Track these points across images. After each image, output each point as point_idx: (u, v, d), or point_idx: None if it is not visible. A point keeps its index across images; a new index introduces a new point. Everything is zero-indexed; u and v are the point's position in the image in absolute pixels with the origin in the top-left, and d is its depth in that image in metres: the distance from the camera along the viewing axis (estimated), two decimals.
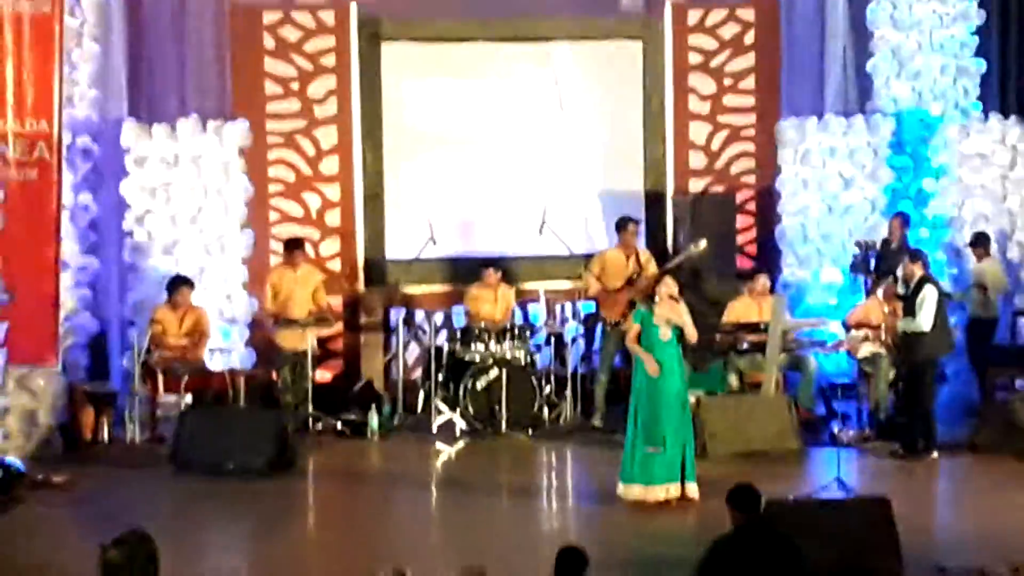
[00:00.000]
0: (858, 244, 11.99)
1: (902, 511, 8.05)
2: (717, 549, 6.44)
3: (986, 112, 12.75)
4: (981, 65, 12.92)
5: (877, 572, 7.64)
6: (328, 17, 12.42)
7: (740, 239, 12.78)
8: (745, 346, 11.41)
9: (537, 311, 12.27)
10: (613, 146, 13.15)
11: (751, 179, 12.96)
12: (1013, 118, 12.70)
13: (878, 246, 12.15)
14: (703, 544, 6.63)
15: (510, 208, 13.00)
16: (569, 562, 6.20)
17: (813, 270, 12.61)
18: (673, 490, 9.20)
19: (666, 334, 9.17)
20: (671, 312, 9.23)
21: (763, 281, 11.75)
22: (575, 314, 12.47)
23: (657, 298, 9.29)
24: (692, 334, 9.44)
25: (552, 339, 11.85)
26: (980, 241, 11.92)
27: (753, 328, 11.41)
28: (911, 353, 10.69)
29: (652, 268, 11.50)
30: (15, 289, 10.51)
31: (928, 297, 10.36)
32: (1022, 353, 12.50)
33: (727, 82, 12.92)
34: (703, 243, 11.63)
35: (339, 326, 12.13)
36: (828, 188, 12.51)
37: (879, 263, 12.02)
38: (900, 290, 11.10)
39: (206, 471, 10.13)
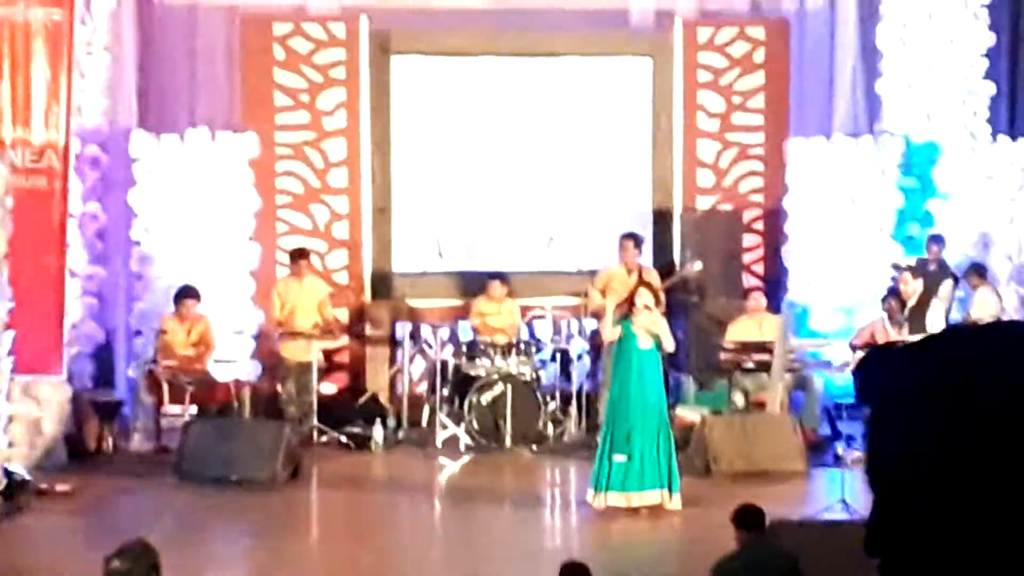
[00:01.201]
0: (895, 267, 12.14)
1: None
2: (722, 568, 6.50)
3: (995, 134, 12.66)
4: (992, 87, 12.85)
5: None
6: (339, 29, 12.37)
7: (747, 258, 12.74)
8: (750, 365, 11.40)
9: (543, 327, 12.27)
10: (621, 162, 13.15)
11: (759, 198, 12.91)
12: (1021, 140, 12.57)
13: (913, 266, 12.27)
14: (700, 559, 6.96)
15: (517, 223, 12.99)
16: (575, 572, 6.22)
17: (822, 289, 12.64)
18: (648, 498, 9.38)
19: (646, 343, 9.43)
20: (649, 322, 9.49)
21: (756, 298, 11.87)
22: (581, 331, 12.41)
23: (635, 310, 9.54)
24: (669, 344, 9.67)
25: (558, 355, 11.83)
26: (975, 270, 12.01)
27: (759, 348, 11.38)
28: None
29: (655, 281, 11.39)
30: (21, 297, 10.41)
31: (936, 313, 10.68)
32: None
33: (736, 100, 12.86)
34: (699, 264, 11.93)
35: (345, 339, 12.12)
36: (836, 208, 12.55)
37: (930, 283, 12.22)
38: (898, 311, 11.34)
39: (210, 482, 10.08)
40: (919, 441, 1.76)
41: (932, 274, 12.02)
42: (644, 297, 9.72)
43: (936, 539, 1.69)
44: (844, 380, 12.19)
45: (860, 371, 1.98)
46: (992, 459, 1.68)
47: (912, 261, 12.51)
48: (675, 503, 9.51)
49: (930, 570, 1.70)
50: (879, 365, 1.87)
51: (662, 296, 11.42)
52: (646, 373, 9.68)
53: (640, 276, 11.44)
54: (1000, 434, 1.68)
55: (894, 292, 11.66)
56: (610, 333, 9.98)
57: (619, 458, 9.60)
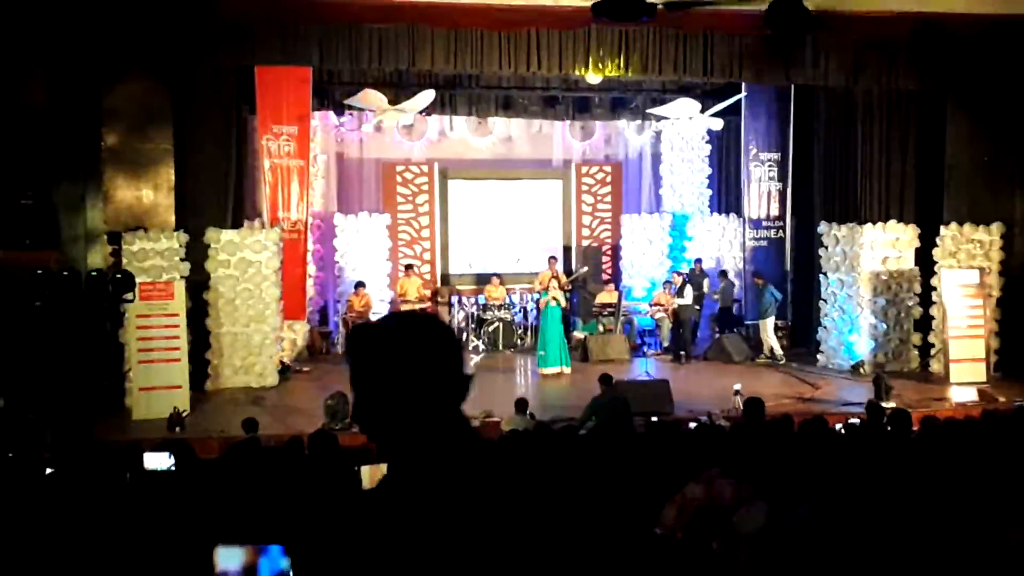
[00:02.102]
0: (678, 273, 16.28)
1: (674, 387, 11.39)
2: (595, 400, 9.75)
3: (713, 211, 18.07)
4: (710, 191, 18.06)
5: (662, 412, 10.34)
6: (425, 167, 17.99)
7: (604, 266, 18.27)
8: (606, 313, 16.38)
9: (516, 297, 17.28)
10: (549, 227, 18.49)
11: (609, 239, 18.55)
12: (722, 214, 17.86)
13: (686, 273, 16.14)
14: (584, 398, 10.16)
15: (502, 252, 18.02)
16: (521, 402, 9.78)
17: (637, 280, 18.06)
18: (563, 369, 13.75)
19: (554, 303, 13.94)
20: (556, 293, 14.05)
21: (608, 286, 16.82)
22: (533, 299, 16.94)
23: (550, 288, 14.06)
24: (563, 303, 14.08)
25: (522, 310, 17.03)
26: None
27: (610, 305, 16.39)
28: (682, 314, 15.53)
29: (563, 278, 15.80)
30: (287, 288, 14.19)
31: (688, 290, 15.54)
32: (736, 319, 16.74)
33: (599, 197, 18.48)
34: (586, 268, 17.30)
35: (429, 304, 16.89)
36: (642, 245, 18.05)
37: (688, 280, 15.99)
38: (669, 289, 16.14)
39: None
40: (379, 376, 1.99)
41: (695, 274, 16.40)
42: (554, 284, 14.25)
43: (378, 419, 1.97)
44: (645, 320, 17.01)
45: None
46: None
47: (684, 268, 16.78)
48: (568, 371, 13.65)
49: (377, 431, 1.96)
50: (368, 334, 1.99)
51: (566, 284, 15.70)
52: (555, 317, 13.96)
53: (556, 275, 15.51)
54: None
55: (668, 281, 16.50)
56: (542, 301, 14.15)
57: (542, 354, 13.93)
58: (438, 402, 2.18)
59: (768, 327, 15.55)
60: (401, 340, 2.17)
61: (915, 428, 7.87)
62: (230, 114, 14.39)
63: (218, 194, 14.23)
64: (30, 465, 6.63)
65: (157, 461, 6.71)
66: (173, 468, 6.72)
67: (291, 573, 2.55)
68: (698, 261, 17.28)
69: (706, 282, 16.59)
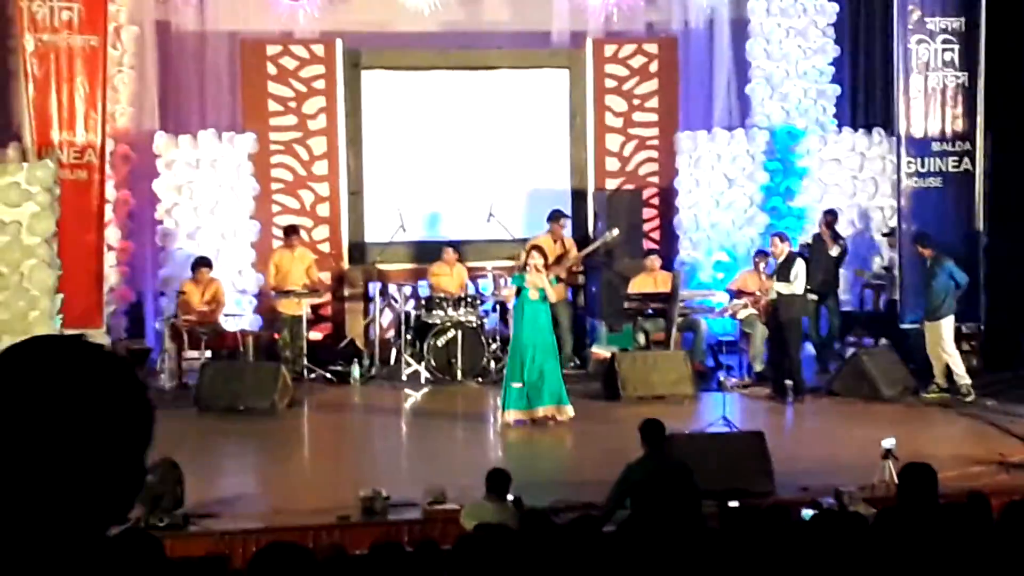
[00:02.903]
0: (780, 237, 12.58)
1: (773, 443, 9.01)
2: (631, 469, 7.52)
3: (840, 126, 14.28)
4: (837, 89, 14.52)
5: (753, 491, 8.46)
6: (319, 49, 13.64)
7: (646, 227, 13.93)
8: (650, 312, 12.49)
9: (485, 284, 13.39)
10: (545, 153, 14.37)
11: (655, 179, 14.22)
12: (860, 131, 14.17)
13: (805, 243, 13.23)
14: (616, 464, 7.64)
15: (464, 202, 14.01)
16: (498, 478, 7.56)
17: (705, 251, 13.86)
18: (543, 412, 10.58)
19: (534, 295, 10.55)
20: (536, 279, 10.53)
21: (652, 259, 12.99)
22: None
23: (527, 269, 10.66)
24: (551, 295, 10.82)
25: (497, 306, 12.91)
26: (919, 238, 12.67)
27: (655, 297, 12.44)
28: (785, 312, 11.82)
29: (574, 251, 12.73)
30: (68, 267, 11.28)
31: (799, 267, 11.71)
32: (868, 317, 13.75)
33: (636, 102, 14.17)
34: (616, 231, 12.76)
35: (328, 296, 13.34)
36: (715, 187, 13.81)
37: (804, 254, 12.87)
38: (763, 266, 12.20)
39: (222, 411, 11.12)
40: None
41: (817, 242, 13.14)
42: (534, 259, 10.70)
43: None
44: (724, 322, 13.31)
45: None
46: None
47: (793, 234, 12.99)
48: (567, 413, 10.57)
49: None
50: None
51: (576, 263, 12.85)
52: (535, 316, 10.66)
53: (563, 243, 12.60)
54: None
55: (763, 252, 12.47)
56: (510, 291, 11.05)
57: (516, 385, 10.58)
58: (68, 513, 1.62)
59: (945, 334, 12.39)
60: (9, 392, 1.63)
61: None
62: None
63: None
64: None
65: None
66: None
67: None
68: (829, 213, 13.79)
69: (834, 252, 13.41)
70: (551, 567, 5.61)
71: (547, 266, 10.94)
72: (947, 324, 12.04)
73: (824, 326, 13.36)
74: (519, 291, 10.64)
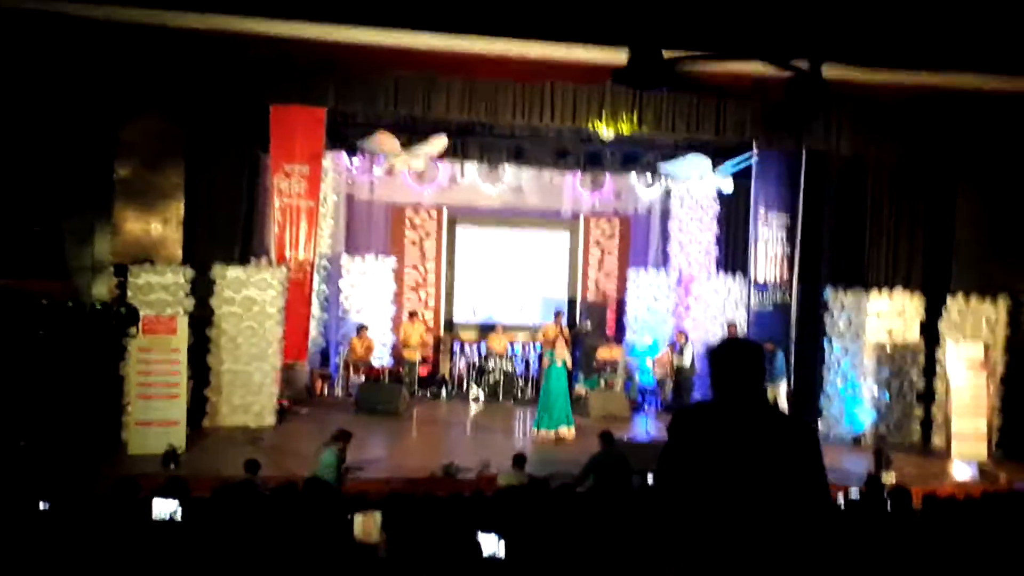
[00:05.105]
0: (680, 332, 16.04)
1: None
2: (594, 457, 9.33)
3: (718, 271, 17.32)
4: (717, 250, 17.60)
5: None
6: (433, 213, 17.86)
7: (608, 321, 17.72)
8: (607, 369, 16.10)
9: (518, 347, 17.06)
10: (555, 279, 17.84)
11: (614, 294, 18.13)
12: (728, 275, 17.15)
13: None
14: (584, 456, 9.66)
15: (508, 301, 17.52)
16: (519, 458, 9.46)
17: (641, 336, 17.30)
18: (563, 432, 12.79)
19: (558, 362, 13.11)
20: (560, 350, 13.18)
21: (610, 338, 16.52)
22: (535, 351, 17.01)
23: (556, 346, 13.24)
24: (568, 363, 13.16)
25: (525, 361, 16.95)
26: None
27: (611, 362, 16.07)
28: (681, 374, 15.79)
29: (566, 333, 15.54)
30: (290, 328, 13.89)
31: (689, 350, 15.74)
32: None
33: (607, 252, 18.04)
34: (588, 323, 17.03)
35: (430, 351, 17.14)
36: (648, 301, 17.43)
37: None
38: (673, 347, 16.07)
39: (369, 411, 13.74)
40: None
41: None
42: (561, 343, 13.41)
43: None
44: (647, 378, 16.44)
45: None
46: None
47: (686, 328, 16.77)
48: (571, 433, 12.78)
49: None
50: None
51: (568, 339, 15.04)
52: (561, 377, 13.11)
53: (560, 329, 15.50)
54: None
55: (672, 341, 16.24)
56: (547, 359, 13.26)
57: (545, 415, 13.04)
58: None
59: (780, 391, 14.98)
60: None
61: (916, 504, 7.73)
62: (243, 151, 14.37)
63: (226, 230, 14.10)
64: (22, 496, 6.55)
65: (163, 507, 6.62)
66: (178, 515, 6.55)
67: None
68: (732, 324, 16.65)
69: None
70: (547, 510, 6.20)
71: (564, 343, 13.49)
72: (782, 385, 14.98)
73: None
74: (549, 360, 13.32)
